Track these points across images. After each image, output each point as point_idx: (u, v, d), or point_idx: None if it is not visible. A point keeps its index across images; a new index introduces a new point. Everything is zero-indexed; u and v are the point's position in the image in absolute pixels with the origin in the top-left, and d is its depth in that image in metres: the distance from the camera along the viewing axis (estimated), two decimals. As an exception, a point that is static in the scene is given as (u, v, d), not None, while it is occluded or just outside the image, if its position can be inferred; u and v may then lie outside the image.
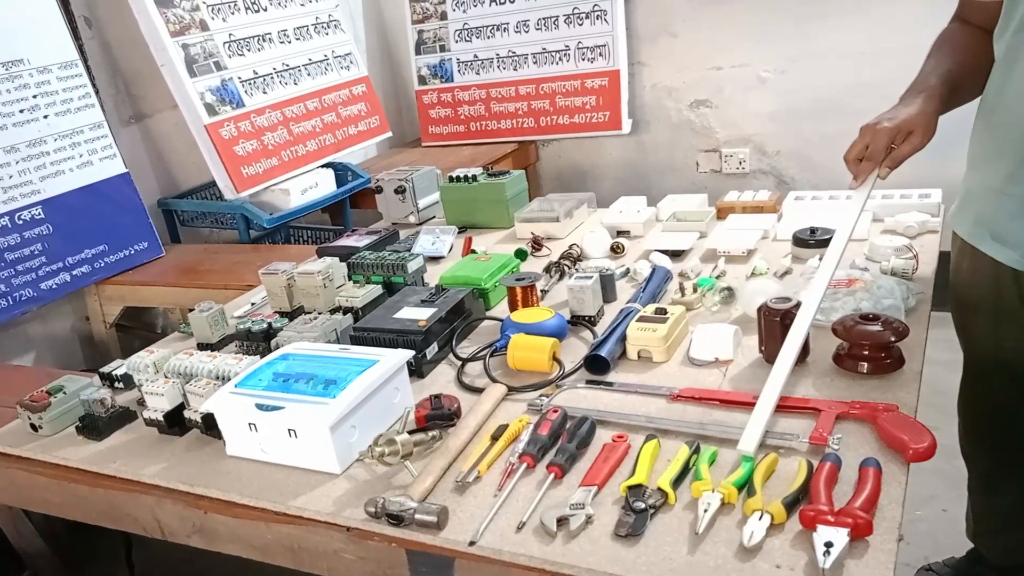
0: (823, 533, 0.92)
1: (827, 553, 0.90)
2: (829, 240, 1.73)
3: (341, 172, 2.95)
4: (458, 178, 2.26)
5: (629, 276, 1.79)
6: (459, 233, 2.20)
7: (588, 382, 1.36)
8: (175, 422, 1.34)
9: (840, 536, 0.92)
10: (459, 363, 1.47)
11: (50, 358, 2.35)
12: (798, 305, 1.32)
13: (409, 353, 1.34)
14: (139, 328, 2.47)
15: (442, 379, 1.44)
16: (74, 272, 2.20)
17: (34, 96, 2.17)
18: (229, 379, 1.34)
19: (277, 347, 1.48)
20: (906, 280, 1.53)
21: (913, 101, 1.40)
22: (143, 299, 2.32)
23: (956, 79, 1.43)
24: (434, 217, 2.37)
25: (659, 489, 1.05)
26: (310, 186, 2.74)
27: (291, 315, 1.69)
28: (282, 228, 2.95)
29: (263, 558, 1.22)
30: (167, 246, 2.56)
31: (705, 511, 0.99)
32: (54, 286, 2.16)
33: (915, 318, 1.41)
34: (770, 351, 1.34)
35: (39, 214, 2.13)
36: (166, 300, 2.28)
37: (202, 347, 1.65)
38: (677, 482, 1.07)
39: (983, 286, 1.49)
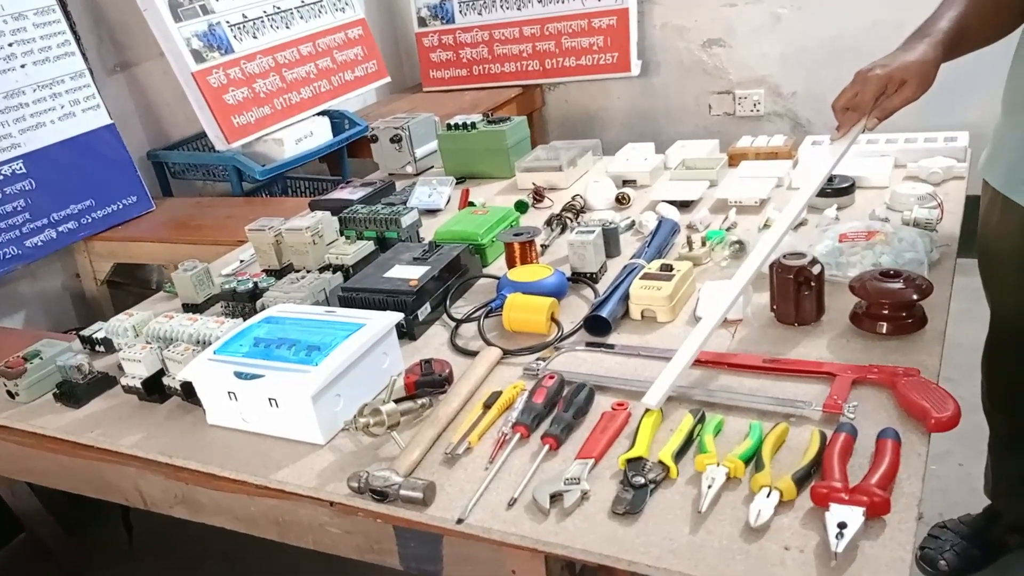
0: (836, 513, 0.85)
1: (840, 536, 0.83)
2: (848, 189, 1.65)
3: (338, 120, 2.83)
4: (456, 125, 2.16)
5: (634, 229, 1.71)
6: (457, 184, 2.11)
7: (588, 344, 1.28)
8: (154, 389, 1.28)
9: (855, 516, 0.85)
10: (453, 324, 1.39)
11: (42, 317, 2.30)
12: (814, 261, 1.23)
13: (398, 316, 1.27)
14: (133, 285, 2.40)
15: (435, 341, 1.37)
16: (60, 228, 2.12)
17: (9, 44, 2.06)
18: (210, 344, 1.27)
19: (263, 308, 1.41)
20: (929, 231, 1.43)
21: (915, 47, 1.28)
22: (133, 255, 2.25)
23: (970, 24, 1.31)
24: (432, 167, 2.28)
25: (660, 462, 0.98)
26: (305, 135, 2.64)
27: (280, 273, 1.62)
28: (279, 179, 2.86)
29: (248, 530, 1.17)
30: (158, 200, 2.47)
31: (709, 487, 0.93)
32: (39, 243, 2.09)
33: (939, 273, 1.32)
34: (782, 311, 1.25)
35: (20, 169, 2.04)
36: (157, 256, 2.21)
37: (187, 308, 1.58)
38: (680, 454, 1.00)
39: (1013, 238, 1.41)
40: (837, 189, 1.65)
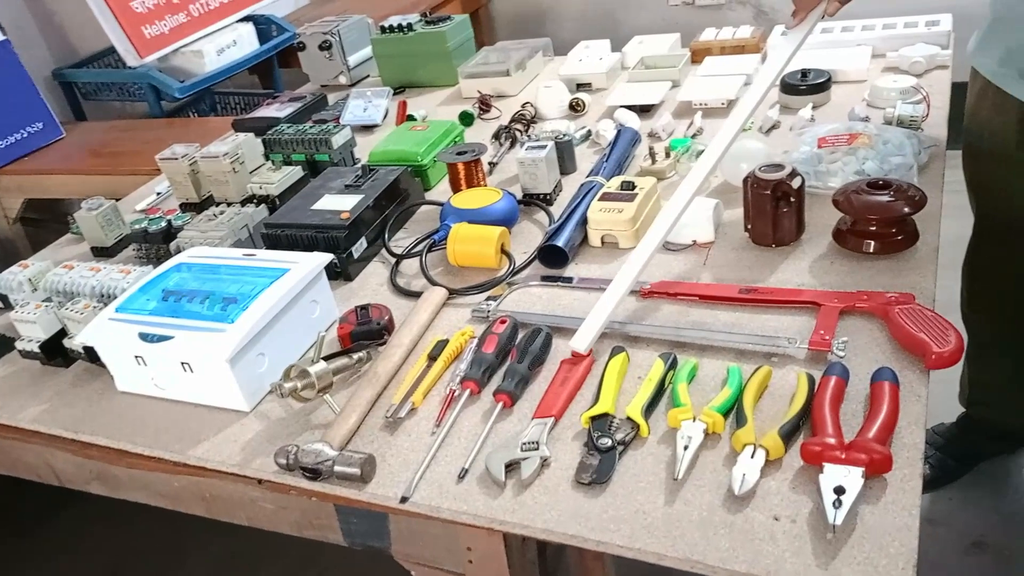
0: (831, 475, 0.75)
1: (838, 503, 0.72)
2: (823, 84, 1.50)
3: (264, 27, 2.57)
4: (391, 28, 1.94)
5: (591, 140, 1.55)
6: (396, 94, 1.91)
7: (544, 278, 1.15)
8: (56, 352, 1.13)
9: (853, 478, 0.74)
10: (393, 261, 1.24)
11: (-52, 262, 2.09)
12: (793, 173, 1.09)
13: (327, 257, 1.11)
14: (51, 221, 2.19)
15: (374, 281, 1.22)
16: (-44, 162, 1.90)
17: None
18: (115, 298, 1.11)
19: (179, 251, 1.24)
20: (915, 130, 1.30)
21: None
22: (45, 190, 2.03)
23: None
24: (368, 76, 2.07)
25: (628, 419, 0.86)
26: (228, 45, 2.39)
27: (200, 208, 1.44)
28: (206, 96, 2.62)
29: (174, 507, 1.04)
30: (69, 125, 2.23)
31: (685, 447, 0.81)
32: (-67, 180, 1.87)
33: (928, 178, 1.19)
34: (759, 231, 1.12)
35: (-99, 94, 1.80)
36: (71, 190, 1.99)
37: (96, 252, 1.41)
38: (650, 408, 0.88)
39: (1006, 133, 1.28)
40: (812, 85, 1.50)
